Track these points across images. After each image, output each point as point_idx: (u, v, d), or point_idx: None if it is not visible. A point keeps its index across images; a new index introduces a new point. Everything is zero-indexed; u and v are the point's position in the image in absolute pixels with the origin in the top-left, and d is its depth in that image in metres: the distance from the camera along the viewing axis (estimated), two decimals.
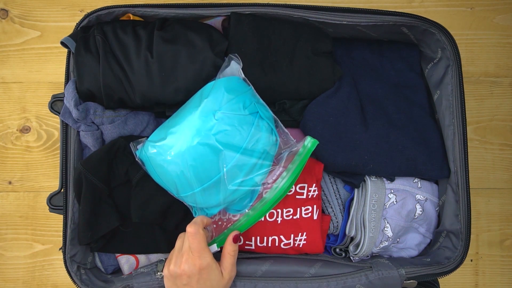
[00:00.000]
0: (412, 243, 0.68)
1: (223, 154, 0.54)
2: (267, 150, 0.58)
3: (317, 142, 0.60)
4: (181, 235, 0.60)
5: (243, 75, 0.59)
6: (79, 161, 0.62)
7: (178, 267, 0.56)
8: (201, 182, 0.56)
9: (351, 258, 0.67)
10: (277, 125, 0.60)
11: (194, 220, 0.58)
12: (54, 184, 0.84)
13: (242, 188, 0.58)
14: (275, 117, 0.60)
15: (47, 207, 0.65)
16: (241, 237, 0.62)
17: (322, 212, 0.68)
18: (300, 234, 0.65)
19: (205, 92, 0.57)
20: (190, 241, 0.55)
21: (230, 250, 0.58)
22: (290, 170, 0.60)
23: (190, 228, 0.56)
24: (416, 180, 0.67)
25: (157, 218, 0.63)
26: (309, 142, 0.60)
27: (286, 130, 0.61)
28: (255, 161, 0.57)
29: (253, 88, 0.59)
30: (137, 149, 0.60)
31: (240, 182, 0.57)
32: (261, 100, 0.59)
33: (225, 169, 0.55)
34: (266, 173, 0.60)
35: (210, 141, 0.54)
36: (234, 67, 0.59)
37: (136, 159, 0.59)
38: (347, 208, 0.67)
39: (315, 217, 0.65)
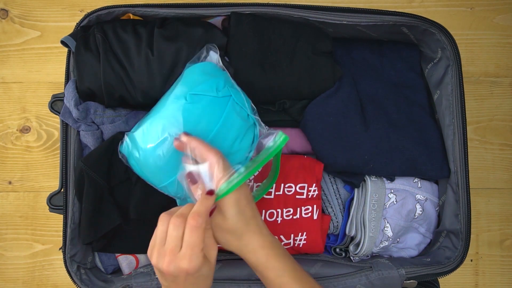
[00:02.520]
0: (412, 243, 0.68)
1: (196, 135, 0.52)
2: (242, 136, 0.56)
3: (288, 139, 0.54)
4: (164, 218, 0.47)
5: (221, 64, 0.58)
6: (80, 159, 0.62)
7: (161, 265, 0.46)
8: (177, 169, 0.53)
9: (351, 258, 0.67)
10: (254, 112, 0.58)
11: (196, 208, 0.47)
12: (54, 184, 0.84)
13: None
14: (253, 105, 0.57)
15: (47, 207, 0.65)
16: None
17: (322, 212, 0.68)
18: (300, 234, 0.65)
19: (179, 78, 0.57)
20: (188, 235, 0.45)
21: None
22: (249, 167, 0.52)
23: (193, 220, 0.45)
24: (416, 180, 0.67)
25: (157, 216, 0.63)
26: (280, 137, 0.54)
27: (257, 117, 0.58)
28: (229, 145, 0.55)
29: (228, 73, 0.58)
30: (120, 144, 0.58)
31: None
32: (236, 85, 0.57)
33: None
34: (245, 158, 0.57)
35: (179, 120, 0.53)
36: (213, 57, 0.58)
37: (120, 156, 0.58)
38: (347, 208, 0.67)
39: (315, 217, 0.65)
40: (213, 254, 0.49)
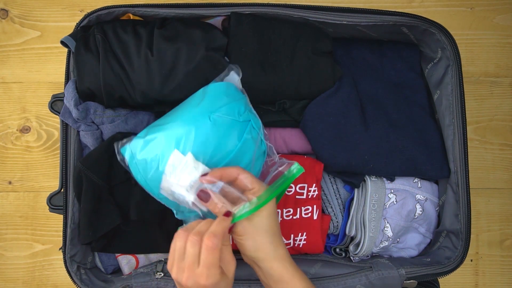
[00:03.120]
0: (412, 243, 0.68)
1: (213, 157, 0.53)
2: (254, 161, 0.57)
3: (303, 171, 0.55)
4: (181, 235, 0.49)
5: (241, 87, 0.59)
6: (78, 159, 0.62)
7: (181, 278, 0.48)
8: None
9: (351, 258, 0.67)
10: (266, 138, 0.59)
11: (213, 229, 0.48)
12: (54, 184, 0.84)
13: None
14: (264, 130, 0.59)
15: (47, 207, 0.65)
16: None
17: (322, 212, 0.68)
18: (300, 234, 0.65)
19: (201, 94, 0.57)
20: (204, 256, 0.47)
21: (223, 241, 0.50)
22: (268, 192, 0.53)
23: (209, 241, 0.47)
24: (416, 180, 0.67)
25: (156, 217, 0.63)
26: (295, 169, 0.55)
27: (270, 144, 0.60)
28: (249, 159, 0.56)
29: (247, 98, 0.59)
30: (121, 146, 0.57)
31: None
32: (253, 110, 0.58)
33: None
34: (258, 173, 0.59)
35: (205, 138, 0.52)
36: (233, 78, 0.59)
37: (118, 158, 0.57)
38: (347, 208, 0.67)
39: (315, 217, 0.65)
40: (231, 269, 0.50)
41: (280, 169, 0.56)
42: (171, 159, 0.53)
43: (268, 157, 0.60)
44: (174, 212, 0.58)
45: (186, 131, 0.53)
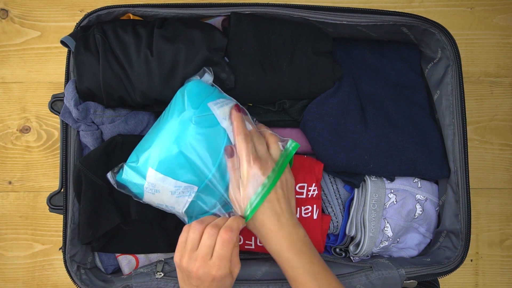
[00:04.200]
0: (412, 243, 0.68)
1: (211, 152, 0.54)
2: None
3: (299, 146, 0.58)
4: (196, 227, 0.52)
5: (210, 82, 0.60)
6: (78, 159, 0.62)
7: (192, 267, 0.51)
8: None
9: (351, 258, 0.67)
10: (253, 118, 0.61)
11: (229, 224, 0.52)
12: (54, 184, 0.84)
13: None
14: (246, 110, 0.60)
15: (47, 207, 0.65)
16: (241, 236, 0.62)
17: (322, 212, 0.68)
18: None
19: (173, 104, 0.57)
20: (219, 247, 0.50)
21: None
22: (270, 177, 0.55)
23: (225, 234, 0.50)
24: (416, 180, 0.67)
25: (157, 216, 0.63)
26: (291, 146, 0.57)
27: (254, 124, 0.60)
28: None
29: (218, 87, 0.59)
30: (115, 175, 0.59)
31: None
32: (228, 96, 0.59)
33: (213, 171, 0.55)
34: None
35: (195, 144, 0.54)
36: (207, 79, 0.60)
37: (116, 187, 0.58)
38: (347, 208, 0.67)
39: (315, 216, 0.65)
40: (236, 271, 0.53)
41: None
42: (148, 177, 0.55)
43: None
44: (186, 220, 0.59)
45: (173, 151, 0.54)
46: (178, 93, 0.58)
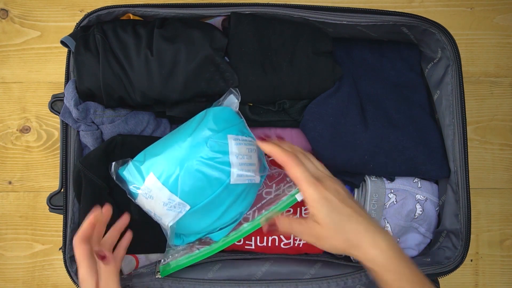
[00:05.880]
0: (412, 243, 0.68)
1: (212, 180, 0.55)
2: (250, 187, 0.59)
3: (296, 201, 0.57)
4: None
5: (237, 110, 0.60)
6: (78, 159, 0.62)
7: None
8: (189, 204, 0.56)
9: (351, 258, 0.67)
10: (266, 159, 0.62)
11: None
12: (54, 184, 0.84)
13: (227, 216, 0.58)
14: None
15: (47, 207, 0.65)
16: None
17: None
18: None
19: (196, 120, 0.58)
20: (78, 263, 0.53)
21: (102, 269, 0.54)
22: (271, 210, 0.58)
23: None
24: (416, 180, 0.67)
25: None
26: (298, 195, 0.57)
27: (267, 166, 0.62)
28: (242, 189, 0.57)
29: (245, 121, 0.60)
30: (119, 167, 0.59)
31: (225, 209, 0.57)
32: (251, 134, 0.59)
33: (214, 194, 0.55)
34: (250, 203, 0.61)
35: (200, 167, 0.54)
36: (232, 101, 0.60)
37: (114, 179, 0.58)
38: None
39: None
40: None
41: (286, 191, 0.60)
42: (147, 181, 0.55)
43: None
44: (169, 235, 0.59)
45: (178, 167, 0.54)
46: (207, 112, 0.58)
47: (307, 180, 0.49)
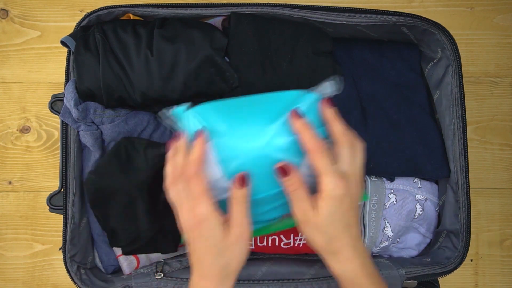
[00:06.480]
0: (412, 243, 0.68)
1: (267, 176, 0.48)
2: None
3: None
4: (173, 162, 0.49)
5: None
6: (89, 172, 0.60)
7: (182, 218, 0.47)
8: (255, 192, 0.49)
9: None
10: None
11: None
12: (54, 184, 0.84)
13: (269, 215, 0.53)
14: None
15: (47, 207, 0.65)
16: None
17: None
18: (300, 234, 0.65)
19: (283, 101, 0.50)
20: (192, 185, 0.46)
21: (235, 194, 0.47)
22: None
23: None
24: (416, 180, 0.67)
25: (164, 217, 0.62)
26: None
27: None
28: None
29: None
30: (177, 108, 0.51)
31: (272, 208, 0.52)
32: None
33: (274, 191, 0.49)
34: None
35: (278, 155, 0.47)
36: (326, 89, 0.51)
37: (166, 115, 0.52)
38: None
39: None
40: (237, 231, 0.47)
41: None
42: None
43: None
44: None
45: (265, 142, 0.47)
46: (298, 96, 0.50)
47: (331, 174, 0.46)
